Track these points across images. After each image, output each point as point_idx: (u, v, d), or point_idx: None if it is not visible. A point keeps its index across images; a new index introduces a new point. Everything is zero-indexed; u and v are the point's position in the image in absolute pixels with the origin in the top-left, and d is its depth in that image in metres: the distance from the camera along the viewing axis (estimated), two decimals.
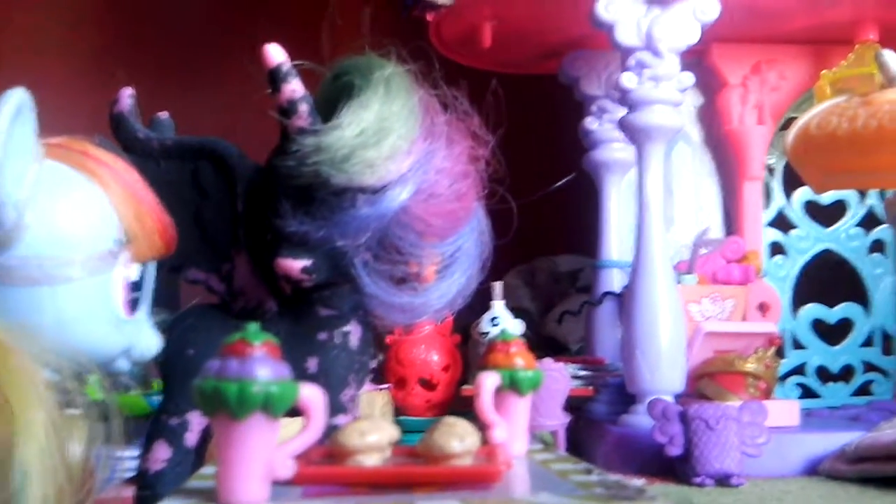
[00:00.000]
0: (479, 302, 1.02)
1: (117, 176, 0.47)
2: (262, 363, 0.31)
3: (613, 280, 1.08)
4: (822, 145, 0.54)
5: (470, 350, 1.17)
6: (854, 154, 0.53)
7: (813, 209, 1.05)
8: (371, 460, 0.38)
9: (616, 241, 1.08)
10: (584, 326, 1.14)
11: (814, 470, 0.80)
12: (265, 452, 0.32)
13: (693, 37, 0.86)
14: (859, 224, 1.06)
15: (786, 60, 1.00)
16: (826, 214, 1.05)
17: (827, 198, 1.05)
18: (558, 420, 0.91)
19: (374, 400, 0.97)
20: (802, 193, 1.04)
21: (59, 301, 0.45)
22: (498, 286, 1.04)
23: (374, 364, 0.60)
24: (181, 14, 1.53)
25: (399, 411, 1.05)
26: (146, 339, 0.50)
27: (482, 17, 1.00)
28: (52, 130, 0.48)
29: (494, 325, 1.02)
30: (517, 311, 1.24)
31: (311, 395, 0.33)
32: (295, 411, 0.34)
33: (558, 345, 1.33)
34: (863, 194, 1.06)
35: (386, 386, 1.03)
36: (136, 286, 0.48)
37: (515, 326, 1.01)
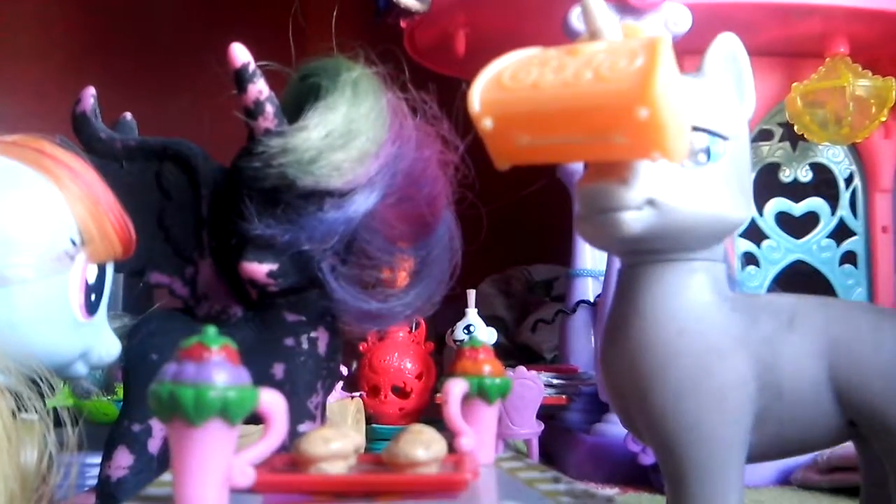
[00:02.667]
0: (453, 310, 1.02)
1: (74, 175, 0.46)
2: (220, 368, 0.30)
3: (588, 289, 1.08)
4: (521, 99, 0.42)
5: (444, 358, 1.16)
6: (564, 112, 0.41)
7: (785, 220, 1.05)
8: (335, 468, 0.37)
9: (590, 250, 1.08)
10: (557, 335, 1.14)
11: (786, 480, 0.80)
12: (223, 459, 0.31)
13: None
14: (830, 235, 1.06)
15: (757, 72, 1.01)
16: (798, 226, 1.06)
17: (799, 209, 1.06)
18: (531, 429, 0.90)
19: (346, 408, 0.96)
20: (774, 204, 1.04)
21: (13, 302, 0.43)
22: (472, 294, 1.04)
23: (342, 370, 0.60)
24: (149, 17, 1.52)
25: (372, 419, 1.04)
26: (105, 343, 0.49)
27: (456, 24, 1.00)
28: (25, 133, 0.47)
29: (469, 333, 1.02)
30: (492, 320, 1.24)
31: (272, 400, 0.32)
32: (259, 419, 0.33)
33: (532, 353, 1.32)
34: (834, 207, 1.07)
35: (359, 394, 1.02)
36: (94, 288, 0.47)
37: (489, 334, 1.01)
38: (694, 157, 0.44)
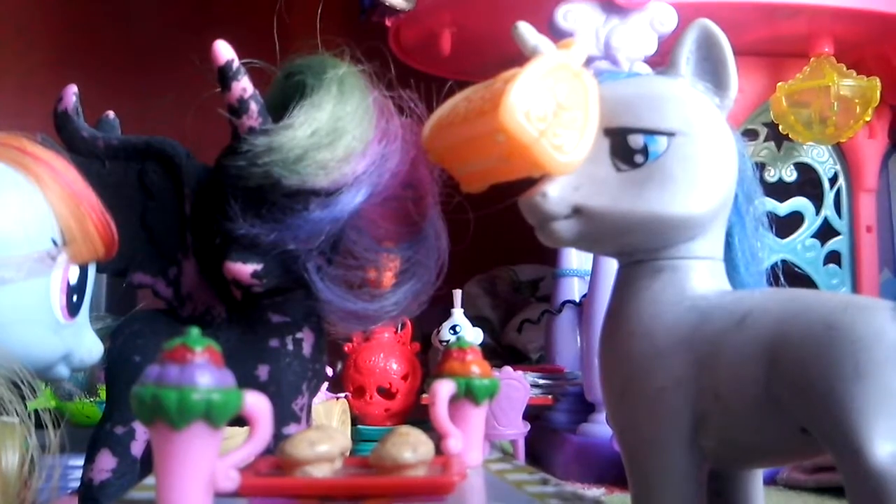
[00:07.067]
0: (439, 310, 1.01)
1: (55, 174, 0.45)
2: (204, 370, 0.30)
3: (573, 289, 1.08)
4: (444, 134, 0.45)
5: (430, 358, 1.16)
6: (466, 143, 0.43)
7: (769, 220, 1.05)
8: (321, 471, 0.36)
9: (575, 250, 1.08)
10: (543, 335, 1.14)
11: (772, 479, 0.80)
12: (207, 463, 0.31)
13: (651, 47, 0.87)
14: (815, 235, 1.07)
15: (742, 72, 1.01)
16: (783, 225, 1.06)
17: (784, 209, 1.06)
18: (517, 429, 0.90)
19: (332, 409, 0.96)
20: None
21: None
22: (458, 294, 1.03)
23: (327, 372, 0.59)
24: (132, 14, 1.51)
25: (357, 420, 1.03)
26: (86, 345, 0.48)
27: (441, 23, 1.00)
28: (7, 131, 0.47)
29: (455, 334, 1.02)
30: (478, 320, 1.24)
31: (257, 402, 0.32)
32: (243, 421, 0.32)
33: (518, 353, 1.32)
34: (818, 207, 1.08)
35: (344, 394, 1.02)
36: (76, 289, 0.47)
37: (475, 335, 1.01)
38: (628, 158, 0.44)
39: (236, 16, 1.26)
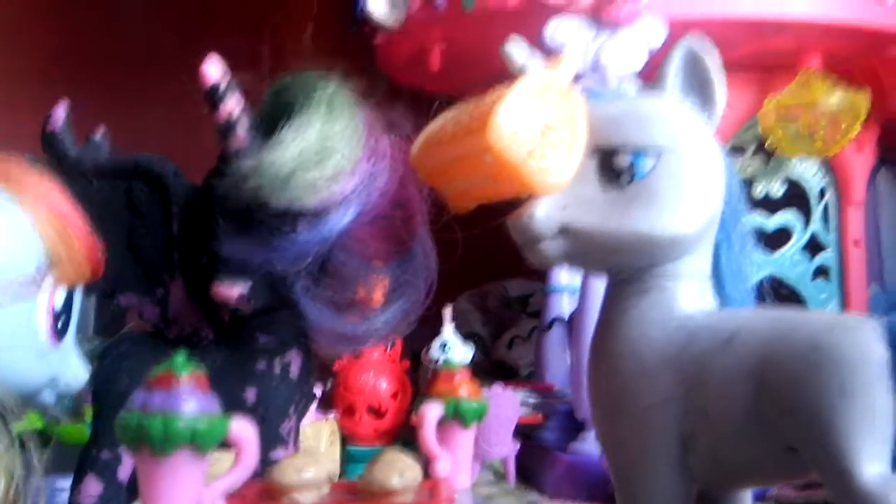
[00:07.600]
0: (429, 327, 1.01)
1: (40, 195, 0.44)
2: (189, 396, 0.30)
3: (563, 305, 1.08)
4: (432, 152, 0.45)
5: (420, 376, 1.15)
6: (454, 161, 0.43)
7: (757, 234, 1.06)
8: (308, 497, 0.36)
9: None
10: (533, 352, 1.14)
11: (763, 496, 0.80)
12: (193, 490, 0.31)
13: (639, 63, 0.87)
14: (803, 249, 1.07)
15: (730, 87, 1.01)
16: (770, 240, 1.06)
17: (772, 224, 1.06)
18: (508, 447, 0.90)
19: (320, 429, 0.95)
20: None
21: None
22: (448, 311, 1.03)
23: (316, 393, 0.59)
24: (122, 27, 1.51)
25: (347, 440, 1.03)
26: (73, 370, 0.47)
27: (431, 39, 1.00)
28: None
29: (445, 351, 1.01)
30: (468, 336, 1.23)
31: (243, 429, 0.32)
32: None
33: (509, 369, 1.32)
34: (806, 221, 1.08)
35: (333, 414, 1.01)
36: (62, 313, 0.46)
37: (465, 352, 1.00)
38: (615, 177, 0.44)
39: (229, 30, 1.25)
